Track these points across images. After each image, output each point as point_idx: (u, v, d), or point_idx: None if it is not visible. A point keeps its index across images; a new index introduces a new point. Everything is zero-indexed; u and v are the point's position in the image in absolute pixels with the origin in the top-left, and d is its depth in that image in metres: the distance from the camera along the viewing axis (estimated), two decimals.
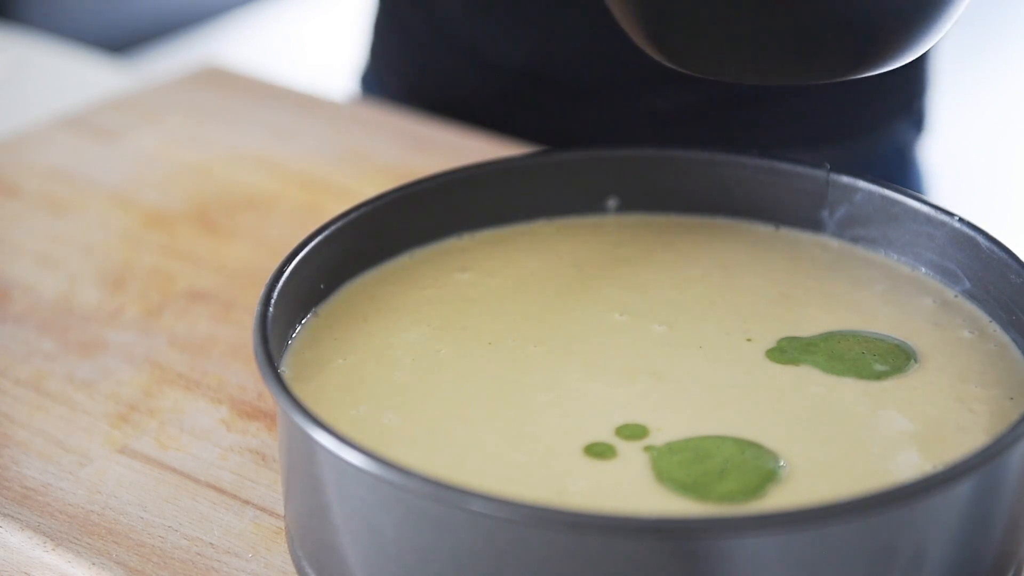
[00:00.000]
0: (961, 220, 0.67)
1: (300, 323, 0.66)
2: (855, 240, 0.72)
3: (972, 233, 0.67)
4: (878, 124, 1.03)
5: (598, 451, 0.59)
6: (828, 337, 0.66)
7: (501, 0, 0.98)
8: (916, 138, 1.06)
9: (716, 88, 0.96)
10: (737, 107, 0.98)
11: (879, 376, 0.63)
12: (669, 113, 0.98)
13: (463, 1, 1.00)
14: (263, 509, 0.65)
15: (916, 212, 0.69)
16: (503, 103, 1.00)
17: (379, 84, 1.10)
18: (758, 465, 0.57)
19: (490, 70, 1.00)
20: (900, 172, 1.05)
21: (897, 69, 1.01)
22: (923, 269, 0.70)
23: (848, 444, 0.59)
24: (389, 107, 1.04)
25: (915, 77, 1.03)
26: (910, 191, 0.70)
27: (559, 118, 0.99)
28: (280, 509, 0.64)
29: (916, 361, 0.64)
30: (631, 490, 0.56)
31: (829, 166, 0.72)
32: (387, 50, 1.08)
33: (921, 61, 1.02)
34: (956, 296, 0.68)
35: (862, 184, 0.71)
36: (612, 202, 0.75)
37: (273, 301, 0.62)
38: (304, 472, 0.57)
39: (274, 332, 0.61)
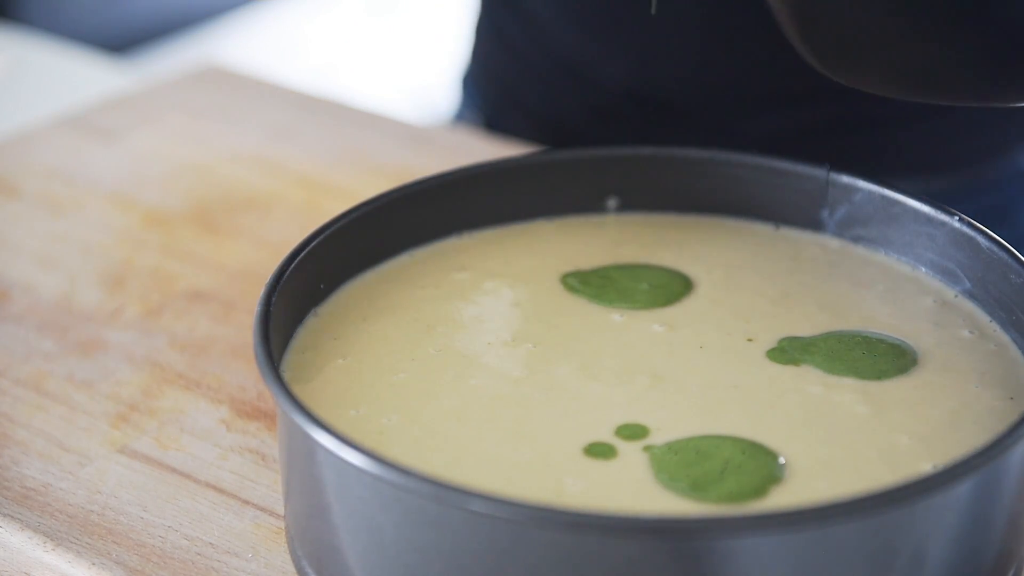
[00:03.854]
0: (961, 220, 0.67)
1: (300, 323, 0.66)
2: (855, 240, 0.72)
3: (972, 233, 0.67)
4: (996, 151, 0.99)
5: (598, 451, 0.59)
6: (828, 337, 0.66)
7: (603, 18, 0.96)
8: None
9: (820, 114, 0.94)
10: (841, 134, 0.96)
11: (879, 376, 0.63)
12: (771, 138, 0.95)
13: (564, 16, 0.98)
14: (263, 509, 0.65)
15: (916, 212, 0.69)
16: (601, 120, 0.99)
17: (477, 88, 1.08)
18: (758, 465, 0.57)
19: (589, 86, 0.99)
20: (1020, 198, 1.01)
21: None
22: (923, 269, 0.70)
23: (848, 444, 0.59)
24: (481, 120, 1.03)
25: None
26: (910, 191, 0.70)
27: (657, 139, 0.97)
28: (280, 509, 0.64)
29: (916, 361, 0.64)
30: (631, 490, 0.56)
31: (829, 166, 0.72)
32: (487, 54, 1.07)
33: None
34: (956, 296, 0.68)
35: (862, 184, 0.71)
36: (612, 202, 0.75)
37: (273, 301, 0.62)
38: (304, 472, 0.57)
39: (274, 332, 0.61)
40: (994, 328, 0.66)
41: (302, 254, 0.65)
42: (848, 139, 0.96)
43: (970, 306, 0.68)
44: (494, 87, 1.06)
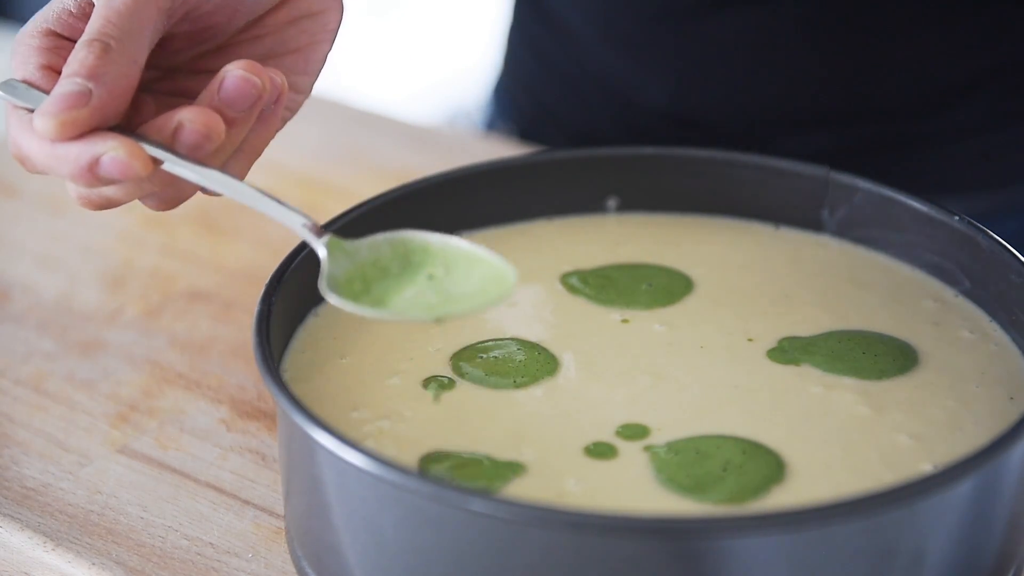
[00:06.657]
0: (961, 220, 0.67)
1: (300, 323, 0.66)
2: (855, 240, 0.72)
3: (972, 233, 0.67)
4: None
5: (598, 451, 0.59)
6: (828, 337, 0.66)
7: (641, 38, 0.95)
8: None
9: (859, 135, 0.93)
10: (880, 154, 0.94)
11: (879, 376, 0.63)
12: (810, 159, 0.94)
13: (601, 34, 0.97)
14: (263, 509, 0.65)
15: (916, 212, 0.69)
16: (638, 139, 0.96)
17: (511, 99, 1.07)
18: (758, 465, 0.57)
19: (626, 104, 0.98)
20: None
21: None
22: (923, 269, 0.70)
23: (848, 444, 0.59)
24: (515, 131, 1.03)
25: None
26: (909, 193, 0.70)
27: None
28: (280, 509, 0.64)
29: (916, 361, 0.64)
30: (631, 490, 0.56)
31: (829, 166, 0.72)
32: (519, 65, 1.05)
33: None
34: (956, 296, 0.68)
35: (862, 184, 0.71)
36: (612, 202, 0.75)
37: (273, 301, 0.62)
38: (304, 472, 0.57)
39: (274, 332, 0.61)
40: (994, 328, 0.66)
41: (302, 254, 0.65)
42: (888, 159, 0.94)
43: (970, 306, 0.68)
44: (527, 98, 1.05)
